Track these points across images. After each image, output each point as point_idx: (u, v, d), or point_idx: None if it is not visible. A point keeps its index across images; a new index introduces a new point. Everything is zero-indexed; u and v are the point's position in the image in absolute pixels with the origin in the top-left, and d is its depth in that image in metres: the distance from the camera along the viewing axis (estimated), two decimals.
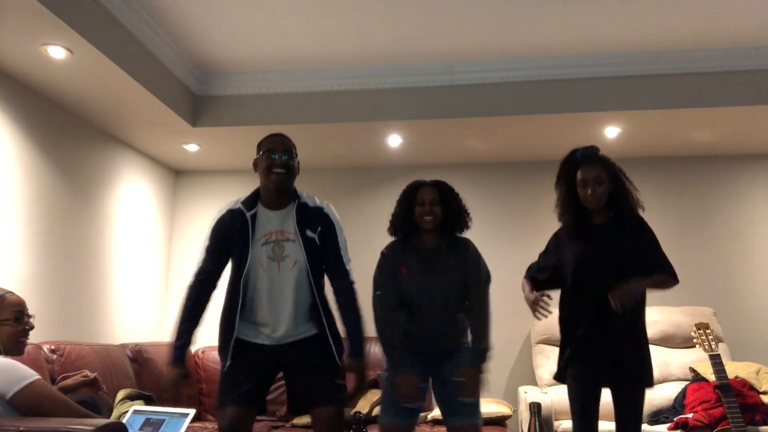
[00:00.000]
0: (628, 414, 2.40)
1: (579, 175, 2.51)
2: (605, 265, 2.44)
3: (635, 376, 2.41)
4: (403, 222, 2.62)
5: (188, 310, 2.31)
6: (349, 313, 2.35)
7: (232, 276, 2.31)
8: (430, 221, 2.55)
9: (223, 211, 2.35)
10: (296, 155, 2.36)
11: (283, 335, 2.28)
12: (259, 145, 2.36)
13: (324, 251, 2.33)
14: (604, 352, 2.42)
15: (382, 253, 2.64)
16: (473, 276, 2.55)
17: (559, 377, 2.58)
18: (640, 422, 2.41)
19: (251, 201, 2.34)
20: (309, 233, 2.30)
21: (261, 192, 2.36)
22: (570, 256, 2.53)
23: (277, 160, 2.27)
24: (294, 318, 2.28)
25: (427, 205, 2.56)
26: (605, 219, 2.53)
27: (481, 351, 2.45)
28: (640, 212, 2.55)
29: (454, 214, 2.61)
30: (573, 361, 2.50)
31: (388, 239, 2.73)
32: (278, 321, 2.28)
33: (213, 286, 2.35)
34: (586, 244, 2.50)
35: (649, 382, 2.45)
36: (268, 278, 2.26)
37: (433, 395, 2.63)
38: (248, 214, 2.29)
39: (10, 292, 2.20)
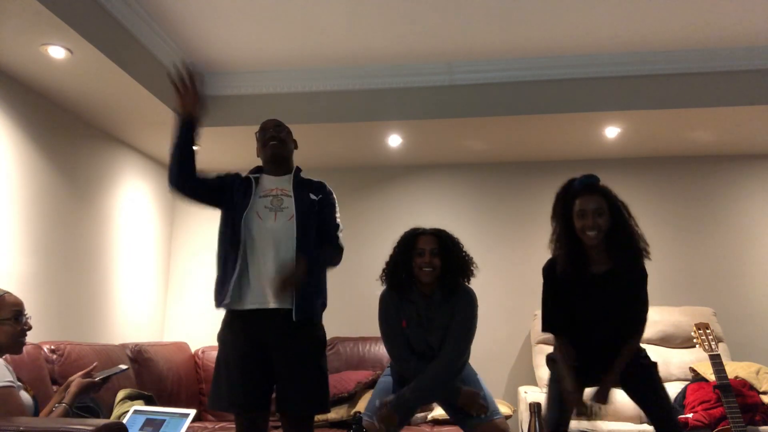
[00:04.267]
0: (661, 404, 2.34)
1: (577, 205, 2.31)
2: (604, 323, 2.35)
3: (644, 373, 2.39)
4: (400, 272, 2.56)
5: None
6: (324, 248, 2.45)
7: (229, 226, 2.39)
8: (429, 273, 2.49)
9: (231, 172, 2.55)
10: (288, 130, 2.58)
11: (265, 295, 2.29)
12: (257, 133, 2.59)
13: (322, 221, 2.46)
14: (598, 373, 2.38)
15: (383, 301, 2.61)
16: (454, 332, 2.52)
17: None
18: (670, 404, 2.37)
19: (255, 171, 2.56)
20: (311, 195, 2.47)
21: (263, 166, 2.57)
22: (570, 304, 2.38)
23: (269, 134, 2.51)
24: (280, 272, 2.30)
25: (427, 256, 2.49)
26: (605, 268, 2.34)
27: (403, 398, 2.46)
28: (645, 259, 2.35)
29: (455, 265, 2.53)
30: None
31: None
32: (265, 274, 2.29)
33: (201, 183, 2.42)
34: (585, 296, 2.35)
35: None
36: (263, 225, 2.35)
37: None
38: (252, 177, 2.49)
39: (8, 292, 2.21)
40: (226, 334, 2.36)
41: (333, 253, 2.46)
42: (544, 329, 2.44)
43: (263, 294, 2.30)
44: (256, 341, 2.30)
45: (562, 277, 2.37)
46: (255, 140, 2.59)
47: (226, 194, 2.45)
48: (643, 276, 2.36)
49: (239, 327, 2.31)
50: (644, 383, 2.38)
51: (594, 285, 2.34)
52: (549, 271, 2.44)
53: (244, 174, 2.54)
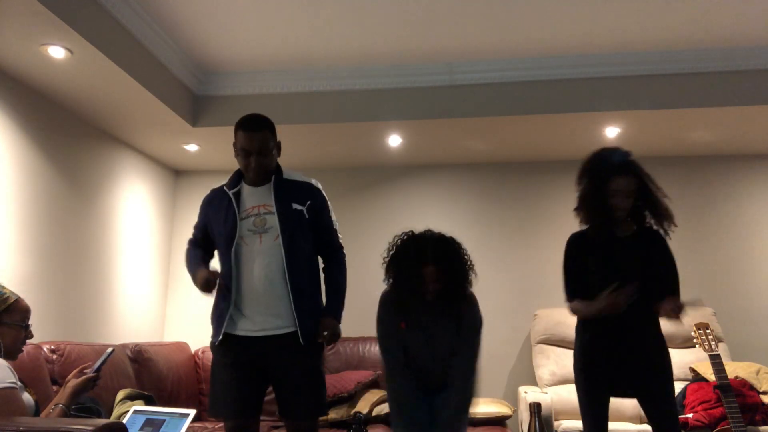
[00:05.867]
0: (668, 428, 2.34)
1: (613, 184, 2.38)
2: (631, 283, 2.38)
3: (662, 386, 2.38)
4: (402, 288, 2.49)
5: (194, 255, 2.45)
6: (334, 278, 2.41)
7: (222, 253, 2.34)
8: (432, 293, 2.45)
9: (208, 192, 2.48)
10: (273, 143, 2.35)
11: (261, 321, 2.25)
12: (236, 133, 2.34)
13: (317, 228, 2.38)
14: (624, 363, 2.38)
15: (381, 305, 2.57)
16: (463, 348, 2.49)
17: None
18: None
19: (234, 180, 2.40)
20: (295, 206, 2.31)
21: (242, 172, 2.41)
22: (596, 267, 2.42)
23: (252, 162, 2.30)
24: (273, 297, 2.25)
25: (430, 284, 2.42)
26: (629, 232, 2.46)
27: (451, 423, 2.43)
28: (671, 228, 2.44)
29: (456, 281, 2.47)
30: (589, 363, 2.43)
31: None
32: (258, 300, 2.26)
33: (207, 250, 2.46)
34: (611, 258, 2.41)
35: (673, 389, 2.42)
36: (249, 250, 2.28)
37: None
38: (231, 192, 2.35)
39: (21, 297, 2.22)
40: (216, 347, 2.33)
41: (342, 272, 2.44)
42: (570, 298, 2.46)
43: (256, 321, 2.26)
44: (252, 359, 2.28)
45: (590, 241, 2.43)
46: None
47: (213, 228, 2.39)
48: (664, 237, 2.45)
49: (233, 345, 2.29)
50: (665, 407, 2.37)
51: (620, 248, 2.42)
52: (576, 241, 2.50)
53: (219, 187, 2.43)
